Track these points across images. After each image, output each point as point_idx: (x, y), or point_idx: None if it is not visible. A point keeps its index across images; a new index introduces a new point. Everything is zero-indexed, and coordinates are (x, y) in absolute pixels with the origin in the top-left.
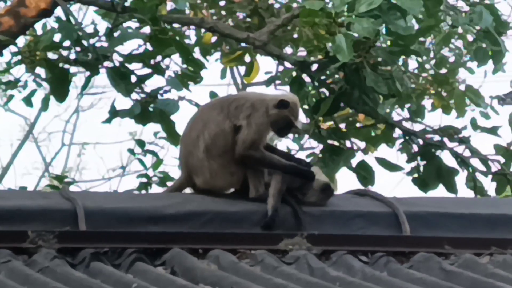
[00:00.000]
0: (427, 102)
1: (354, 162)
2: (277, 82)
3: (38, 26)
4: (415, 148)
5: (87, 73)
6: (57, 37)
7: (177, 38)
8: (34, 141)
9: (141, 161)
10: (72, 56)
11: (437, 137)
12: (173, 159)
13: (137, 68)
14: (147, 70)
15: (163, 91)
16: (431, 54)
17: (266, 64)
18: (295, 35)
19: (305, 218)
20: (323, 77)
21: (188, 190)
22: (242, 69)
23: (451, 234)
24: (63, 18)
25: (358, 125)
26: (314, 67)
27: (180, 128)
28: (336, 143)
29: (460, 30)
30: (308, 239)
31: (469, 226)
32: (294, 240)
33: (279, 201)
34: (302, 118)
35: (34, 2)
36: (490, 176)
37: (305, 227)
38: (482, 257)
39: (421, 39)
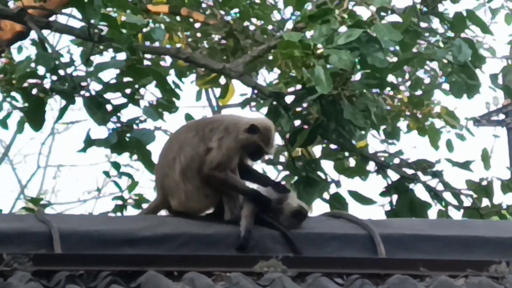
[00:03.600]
0: (402, 124)
1: (327, 194)
2: (253, 104)
3: (13, 48)
4: (388, 181)
5: (63, 101)
6: (33, 65)
7: (154, 67)
8: (9, 164)
9: (116, 184)
10: (48, 84)
11: (410, 171)
12: (148, 181)
13: (113, 98)
14: (123, 100)
15: (139, 121)
16: (406, 76)
17: (241, 86)
18: (270, 57)
19: (295, 237)
20: (298, 109)
21: (163, 212)
22: (218, 91)
23: (426, 256)
24: (39, 47)
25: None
26: (289, 98)
27: (156, 158)
28: (310, 175)
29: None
30: (283, 261)
31: (445, 248)
32: (269, 263)
33: (251, 222)
34: (277, 142)
35: (9, 24)
36: (462, 211)
37: (298, 248)
38: (458, 279)
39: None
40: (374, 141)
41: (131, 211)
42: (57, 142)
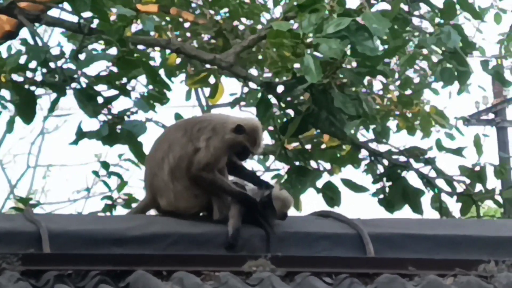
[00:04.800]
0: (392, 123)
1: (320, 183)
2: (242, 103)
3: (2, 48)
4: (381, 169)
5: (53, 95)
6: (23, 59)
7: (144, 59)
8: None
9: (106, 183)
10: (39, 77)
11: (403, 158)
12: (138, 181)
13: (104, 90)
14: (113, 92)
15: (130, 113)
16: (396, 75)
17: (231, 86)
18: (260, 57)
19: (274, 239)
20: (289, 98)
21: (152, 212)
22: (207, 90)
23: (415, 256)
24: (29, 40)
25: (323, 146)
26: (280, 88)
27: (147, 149)
28: (302, 164)
29: (425, 51)
30: (272, 260)
31: (433, 247)
32: (258, 262)
33: (239, 221)
34: (266, 141)
35: None
36: (455, 197)
37: (272, 249)
38: (446, 278)
39: (386, 60)
40: (364, 140)
41: (120, 211)
42: (46, 142)
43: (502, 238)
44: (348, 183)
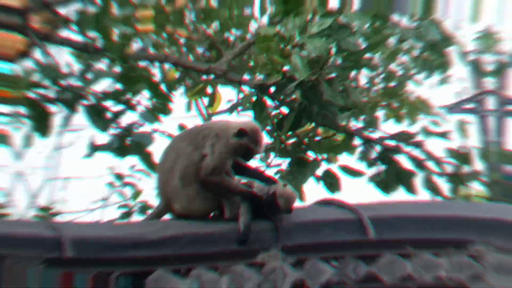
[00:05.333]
0: (380, 114)
1: (319, 172)
2: (239, 108)
3: (16, 68)
4: (374, 154)
5: (64, 111)
6: (36, 77)
7: (146, 73)
8: (19, 176)
9: (120, 194)
10: (52, 94)
11: (394, 143)
12: (150, 189)
13: (111, 106)
14: (120, 107)
15: (137, 125)
16: (380, 69)
17: (227, 94)
18: (252, 63)
19: (282, 232)
20: (282, 97)
21: (167, 217)
22: (206, 100)
23: (412, 236)
24: (40, 59)
25: (318, 138)
26: (273, 89)
27: (156, 158)
28: (301, 156)
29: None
30: (282, 250)
31: (428, 228)
32: (269, 253)
33: (249, 218)
34: (266, 140)
35: (12, 42)
36: (445, 178)
37: (281, 241)
38: (441, 258)
39: (370, 55)
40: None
41: (136, 218)
42: (64, 156)
43: (493, 219)
44: (345, 169)
